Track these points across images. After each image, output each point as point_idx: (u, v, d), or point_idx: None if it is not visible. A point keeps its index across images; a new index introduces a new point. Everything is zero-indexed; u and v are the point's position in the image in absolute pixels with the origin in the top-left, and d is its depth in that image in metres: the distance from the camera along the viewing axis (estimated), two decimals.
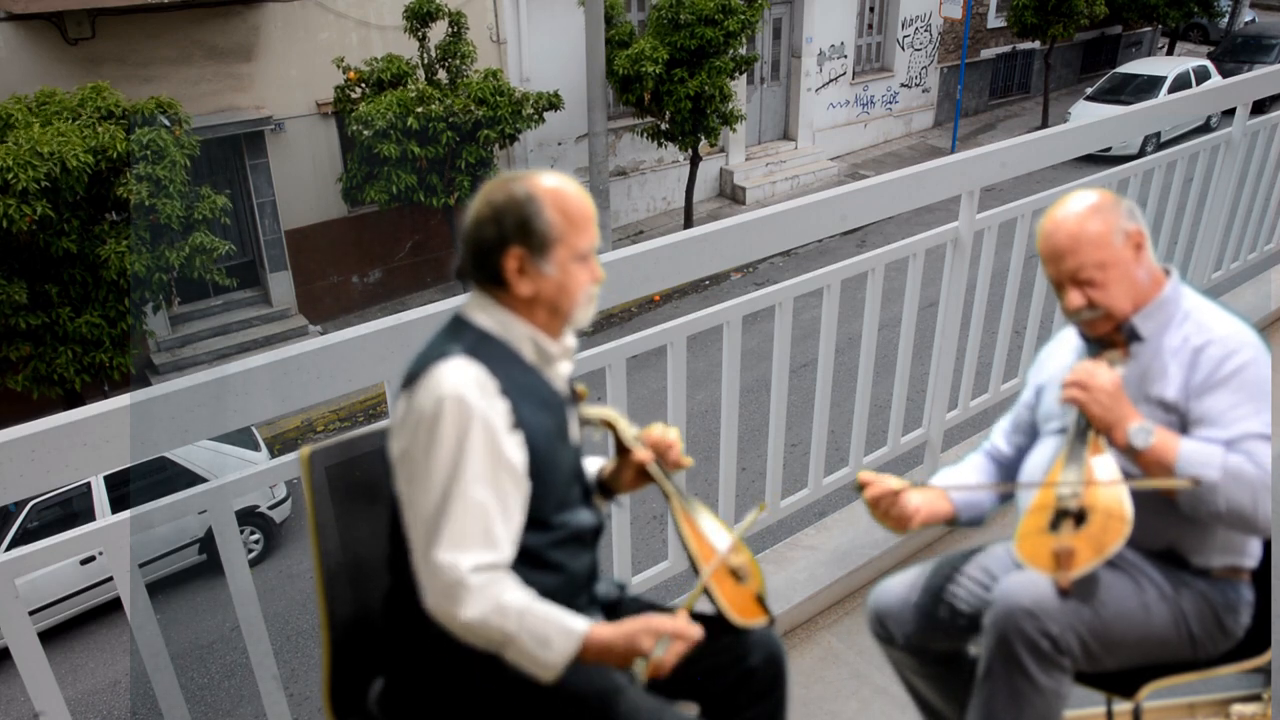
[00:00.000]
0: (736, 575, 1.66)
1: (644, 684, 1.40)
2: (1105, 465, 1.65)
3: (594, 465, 1.75)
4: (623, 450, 1.69)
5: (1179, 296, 1.78)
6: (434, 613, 1.41)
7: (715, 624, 1.61)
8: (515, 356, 1.51)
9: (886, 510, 1.79)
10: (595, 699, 1.51)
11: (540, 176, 1.51)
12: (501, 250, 1.48)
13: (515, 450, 1.45)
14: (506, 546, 1.43)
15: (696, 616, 1.66)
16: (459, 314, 1.55)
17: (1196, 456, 1.60)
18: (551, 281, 1.49)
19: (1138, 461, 1.65)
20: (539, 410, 1.50)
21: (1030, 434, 1.99)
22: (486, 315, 1.53)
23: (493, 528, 1.41)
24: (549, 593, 1.51)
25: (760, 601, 1.68)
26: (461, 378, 1.42)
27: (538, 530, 1.51)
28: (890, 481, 1.80)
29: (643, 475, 1.69)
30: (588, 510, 1.62)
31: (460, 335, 1.50)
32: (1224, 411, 1.65)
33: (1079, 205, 1.75)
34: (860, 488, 1.81)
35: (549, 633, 1.39)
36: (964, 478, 1.97)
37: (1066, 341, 1.96)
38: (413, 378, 1.46)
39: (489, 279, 1.51)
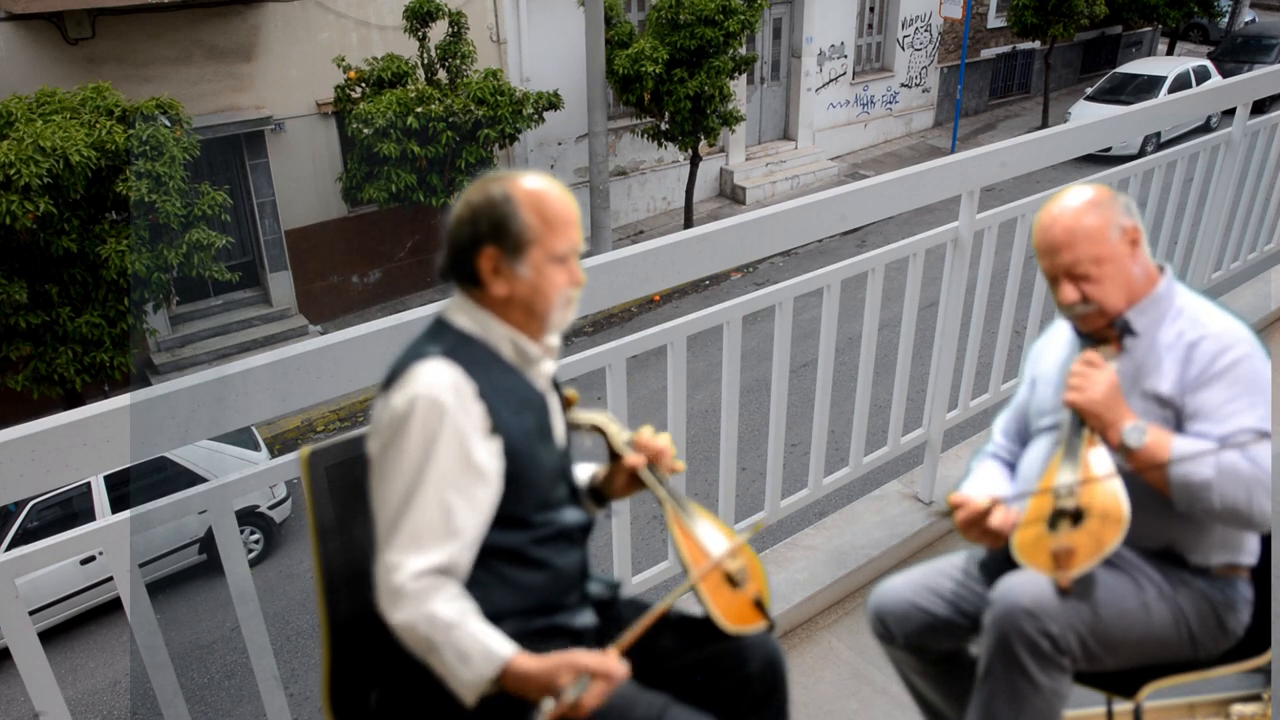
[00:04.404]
0: (732, 581, 1.65)
1: None
2: (1100, 459, 1.65)
3: (586, 472, 1.74)
4: (615, 456, 1.68)
5: (1173, 293, 1.79)
6: (379, 609, 1.41)
7: (712, 629, 1.61)
8: (495, 357, 1.51)
9: (983, 529, 1.72)
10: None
11: (521, 178, 1.51)
12: (476, 250, 1.48)
13: (488, 455, 1.44)
14: (463, 551, 1.42)
15: (694, 621, 1.66)
16: (440, 316, 1.55)
17: (1190, 454, 1.60)
18: (526, 283, 1.49)
19: (1131, 460, 1.65)
20: (519, 411, 1.50)
21: (1029, 428, 1.99)
22: (466, 316, 1.53)
23: (450, 531, 1.41)
24: (537, 590, 1.51)
25: (759, 606, 1.66)
26: (436, 379, 1.42)
27: (519, 529, 1.50)
28: (978, 501, 1.73)
29: (635, 481, 1.68)
30: (574, 509, 1.62)
31: (440, 337, 1.50)
32: (1218, 407, 1.65)
33: (1076, 200, 1.76)
34: (951, 510, 1.74)
35: (471, 651, 1.36)
36: (984, 487, 1.92)
37: (1060, 335, 1.96)
38: (390, 378, 1.46)
39: (466, 279, 1.51)
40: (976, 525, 1.73)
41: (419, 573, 1.38)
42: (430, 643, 1.37)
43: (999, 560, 1.86)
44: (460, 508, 1.41)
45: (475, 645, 1.37)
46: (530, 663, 1.37)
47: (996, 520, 1.72)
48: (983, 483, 1.94)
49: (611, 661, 1.37)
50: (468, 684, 1.37)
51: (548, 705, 1.33)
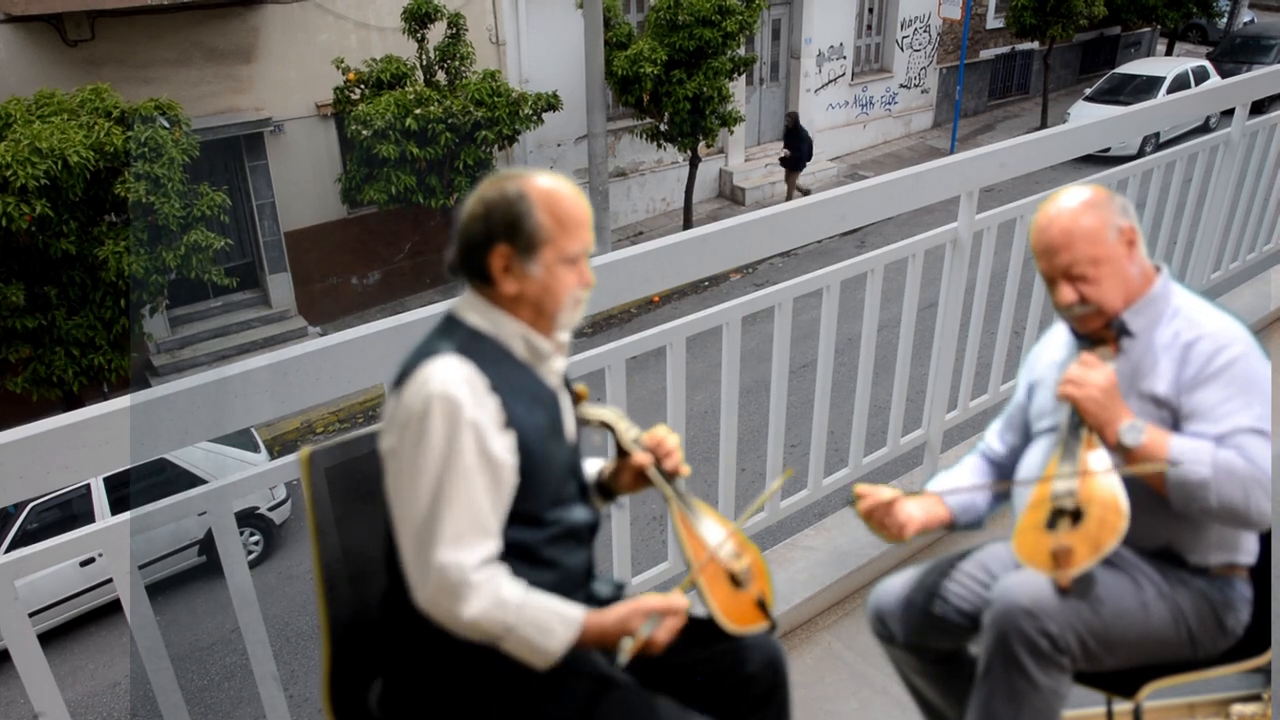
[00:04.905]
0: (736, 580, 1.65)
1: (626, 663, 1.45)
2: (1099, 460, 1.65)
3: (594, 466, 1.75)
4: (622, 452, 1.69)
5: (1169, 293, 1.79)
6: (431, 611, 1.42)
7: (713, 629, 1.61)
8: (506, 354, 1.51)
9: (881, 521, 1.80)
10: (594, 698, 1.51)
11: (536, 176, 1.51)
12: (488, 247, 1.48)
13: (503, 449, 1.45)
14: (498, 540, 1.45)
15: (696, 621, 1.66)
16: (451, 312, 1.55)
17: (1186, 453, 1.61)
18: (536, 282, 1.49)
19: (1128, 459, 1.65)
20: (531, 407, 1.50)
21: (1023, 432, 1.99)
22: (477, 313, 1.53)
23: (486, 523, 1.43)
24: (544, 589, 1.51)
25: (761, 606, 1.66)
26: (451, 376, 1.42)
27: (531, 527, 1.51)
28: (883, 492, 1.81)
29: (642, 477, 1.68)
30: (583, 507, 1.62)
31: (451, 334, 1.50)
32: (1214, 406, 1.65)
33: (1073, 201, 1.76)
34: (855, 500, 1.82)
35: (549, 621, 1.42)
36: (960, 481, 1.98)
37: (1058, 338, 1.97)
38: (403, 376, 1.46)
39: (477, 275, 1.51)
40: (875, 517, 1.80)
41: (478, 565, 1.41)
42: (505, 626, 1.40)
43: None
44: (487, 500, 1.43)
45: (551, 615, 1.43)
46: (601, 617, 1.45)
47: (894, 514, 1.79)
48: (955, 478, 1.98)
49: (674, 597, 1.48)
50: (550, 652, 1.43)
51: (627, 643, 1.43)
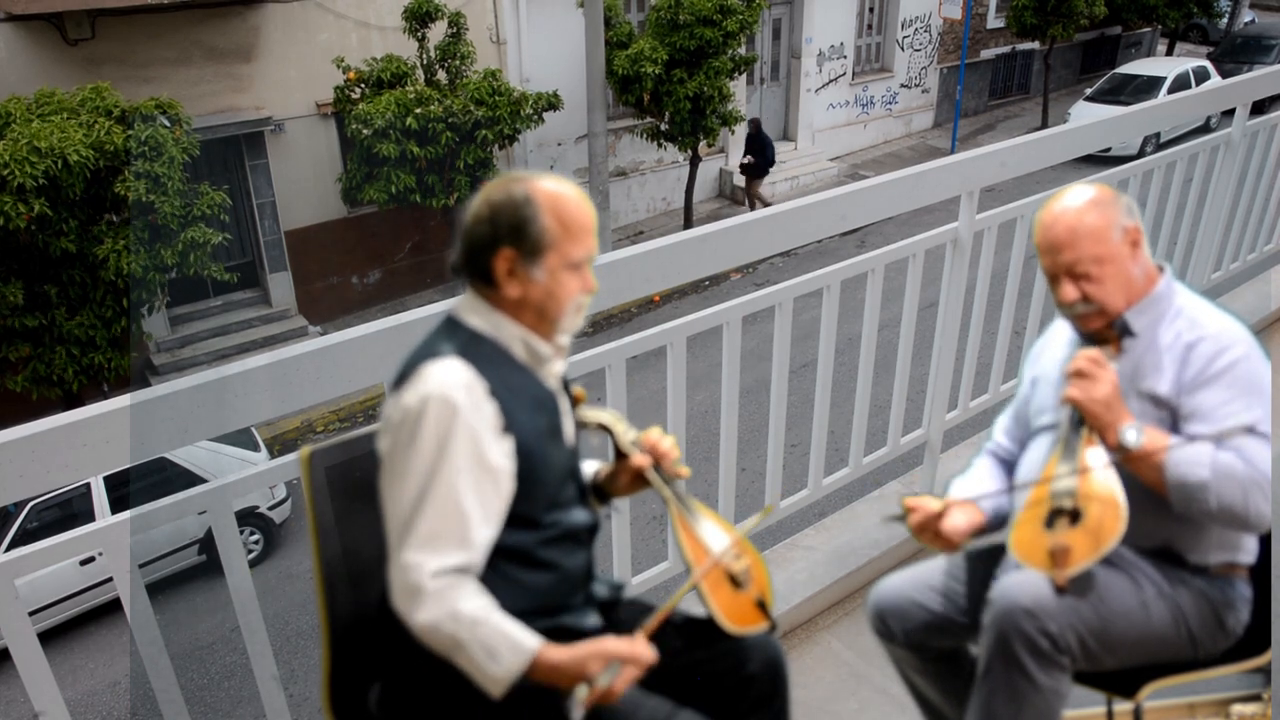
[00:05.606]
0: (735, 581, 1.65)
1: (583, 711, 1.35)
2: (1098, 458, 1.65)
3: (590, 468, 1.74)
4: (620, 454, 1.69)
5: (1172, 293, 1.79)
6: (396, 610, 1.41)
7: (713, 629, 1.61)
8: (506, 357, 1.51)
9: (936, 534, 1.77)
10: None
11: (543, 180, 1.50)
12: (493, 250, 1.48)
13: (499, 454, 1.44)
14: (479, 550, 1.42)
15: (696, 621, 1.66)
16: (451, 314, 1.55)
17: (1186, 455, 1.61)
18: (540, 287, 1.49)
19: (1128, 461, 1.65)
20: (530, 411, 1.50)
21: (1029, 427, 1.98)
22: (478, 315, 1.52)
23: (466, 530, 1.40)
24: (543, 591, 1.51)
25: (761, 607, 1.66)
26: (449, 378, 1.41)
27: (528, 529, 1.50)
28: (931, 504, 1.78)
29: (639, 479, 1.68)
30: (582, 509, 1.62)
31: (452, 335, 1.50)
32: (1215, 408, 1.65)
33: (1078, 199, 1.76)
34: (904, 514, 1.79)
35: (498, 646, 1.37)
36: (980, 484, 1.95)
37: (1060, 335, 1.96)
38: (403, 376, 1.46)
39: (480, 278, 1.51)
40: (929, 529, 1.77)
41: (438, 571, 1.38)
42: (455, 641, 1.37)
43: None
44: (474, 507, 1.41)
45: (502, 640, 1.37)
46: (558, 653, 1.38)
47: (947, 525, 1.75)
48: (975, 481, 1.96)
49: (640, 647, 1.39)
50: (496, 679, 1.37)
51: (581, 693, 1.35)
